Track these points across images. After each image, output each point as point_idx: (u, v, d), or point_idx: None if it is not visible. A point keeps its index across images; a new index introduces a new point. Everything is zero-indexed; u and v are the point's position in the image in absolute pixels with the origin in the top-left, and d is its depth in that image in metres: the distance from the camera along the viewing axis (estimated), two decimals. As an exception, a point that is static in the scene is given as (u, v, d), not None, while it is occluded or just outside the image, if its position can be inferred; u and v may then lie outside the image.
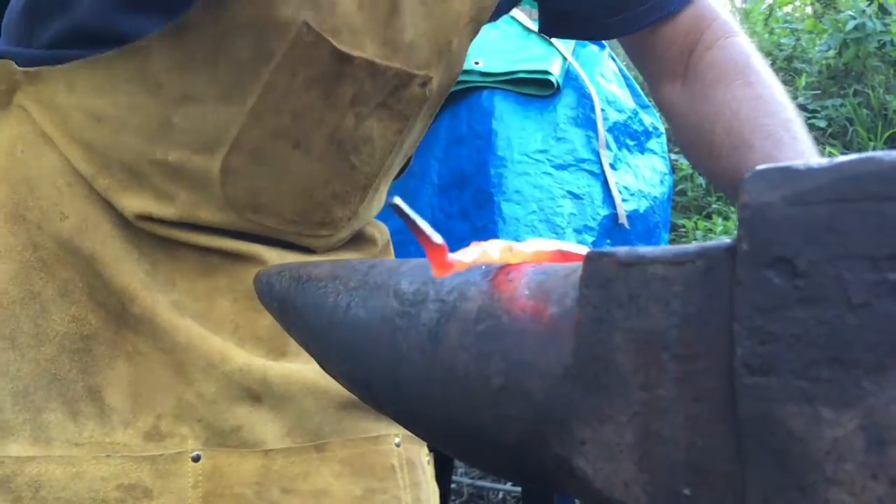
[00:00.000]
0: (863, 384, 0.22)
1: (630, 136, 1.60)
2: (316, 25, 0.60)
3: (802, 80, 4.18)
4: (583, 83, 1.55)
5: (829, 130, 4.09)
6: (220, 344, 0.65)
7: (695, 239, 3.55)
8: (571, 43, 1.58)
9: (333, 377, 0.41)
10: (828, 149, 3.87)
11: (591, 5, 0.79)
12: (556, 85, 1.50)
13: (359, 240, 0.80)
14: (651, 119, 1.65)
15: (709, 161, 0.74)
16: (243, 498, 0.63)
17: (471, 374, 0.31)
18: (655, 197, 1.59)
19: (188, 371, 0.64)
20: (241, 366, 0.65)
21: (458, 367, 0.32)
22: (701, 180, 3.98)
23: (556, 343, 0.29)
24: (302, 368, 0.67)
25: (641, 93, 1.71)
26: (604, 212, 1.47)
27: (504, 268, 0.33)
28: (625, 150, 1.58)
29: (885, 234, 0.22)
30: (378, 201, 0.79)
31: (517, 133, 1.46)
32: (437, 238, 0.32)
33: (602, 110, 1.54)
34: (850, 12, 4.27)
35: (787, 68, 4.45)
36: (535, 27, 1.56)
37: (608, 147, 1.52)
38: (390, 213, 0.93)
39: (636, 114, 1.63)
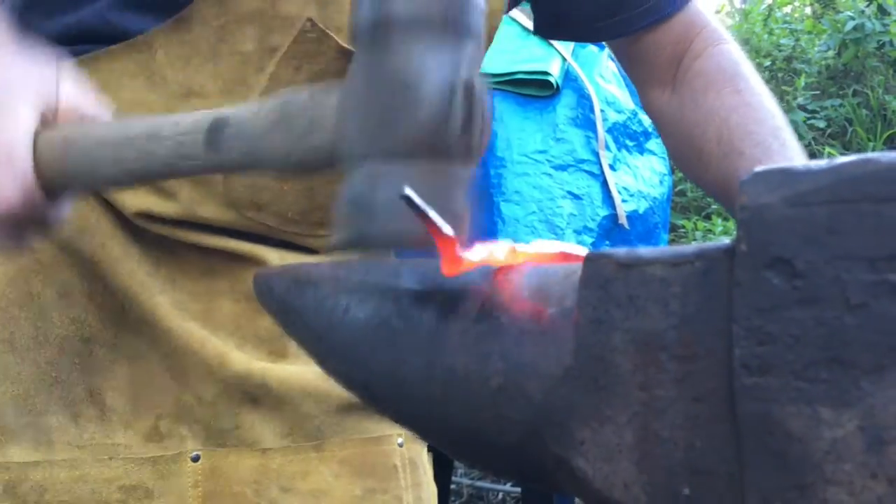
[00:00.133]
0: (861, 384, 0.22)
1: (629, 137, 1.60)
2: (321, 22, 0.60)
3: (802, 81, 4.18)
4: (582, 84, 1.55)
5: (829, 131, 4.09)
6: (220, 348, 0.65)
7: (694, 239, 3.55)
8: (571, 44, 1.58)
9: (333, 378, 0.41)
10: (827, 149, 3.87)
11: (585, 8, 0.79)
12: (555, 86, 1.50)
13: None
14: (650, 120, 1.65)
15: (698, 168, 0.74)
16: (242, 496, 0.63)
17: (470, 374, 0.31)
18: (655, 197, 1.59)
19: (187, 375, 0.64)
20: (241, 370, 0.65)
21: (457, 367, 0.32)
22: (700, 181, 3.97)
23: (556, 344, 0.29)
24: (302, 370, 0.67)
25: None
26: (603, 212, 1.47)
27: (503, 268, 0.34)
28: (624, 151, 1.58)
29: (884, 235, 0.22)
30: None
31: (516, 134, 1.46)
32: (448, 230, 0.31)
33: (601, 111, 1.54)
34: (849, 13, 4.27)
35: (786, 69, 4.46)
36: (534, 28, 1.56)
37: (607, 148, 1.53)
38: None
39: (635, 114, 1.63)
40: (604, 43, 1.01)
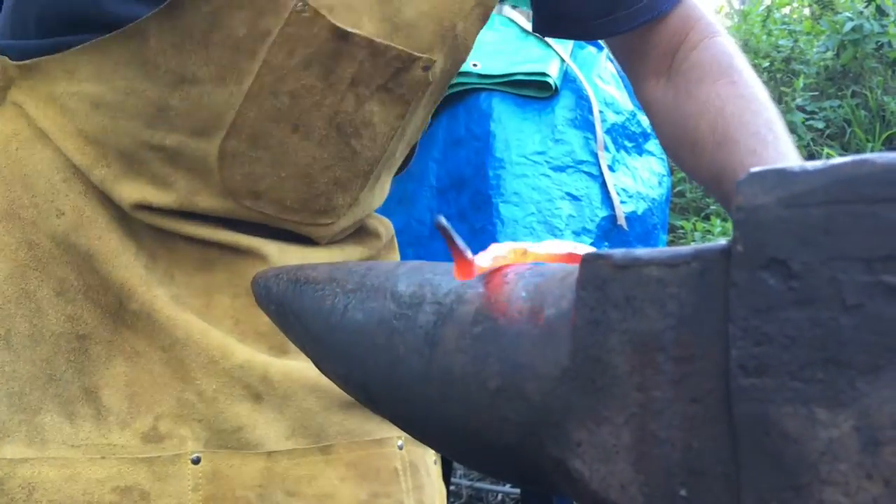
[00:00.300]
0: (857, 385, 0.22)
1: (628, 138, 1.60)
2: (312, 1, 0.60)
3: (800, 82, 4.18)
4: (581, 85, 1.55)
5: (827, 132, 4.09)
6: (221, 339, 0.65)
7: (693, 240, 3.55)
8: (570, 45, 1.58)
9: (331, 379, 0.41)
10: (826, 150, 3.88)
11: (583, 6, 0.79)
12: (554, 87, 1.50)
13: (362, 233, 0.79)
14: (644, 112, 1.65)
15: (691, 158, 0.74)
16: (245, 501, 0.63)
17: (468, 376, 0.32)
18: (654, 198, 1.59)
19: (188, 368, 0.64)
20: (243, 362, 0.64)
21: (455, 369, 0.32)
22: (699, 182, 3.97)
23: (553, 345, 0.29)
24: (304, 366, 0.66)
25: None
26: (602, 213, 1.47)
27: (500, 269, 0.34)
28: (623, 152, 1.58)
29: (879, 236, 0.22)
30: (380, 190, 0.78)
31: (515, 135, 1.46)
32: (469, 255, 0.33)
33: (600, 112, 1.54)
34: (847, 14, 4.27)
35: (785, 69, 4.46)
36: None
37: (606, 149, 1.53)
38: (391, 211, 0.94)
39: (634, 115, 1.63)
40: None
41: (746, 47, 4.47)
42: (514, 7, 1.67)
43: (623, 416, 0.27)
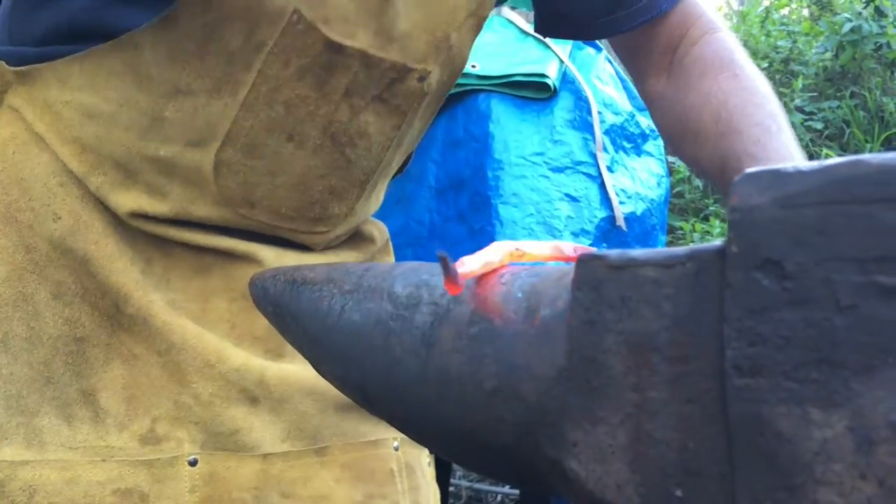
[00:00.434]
0: (851, 385, 0.22)
1: (627, 139, 1.60)
2: (307, 14, 0.60)
3: (799, 83, 4.19)
4: (579, 86, 1.55)
5: (826, 132, 4.10)
6: (217, 343, 0.65)
7: (692, 241, 3.55)
8: (568, 46, 1.58)
9: (328, 380, 0.41)
10: (824, 151, 3.88)
11: (585, 6, 0.79)
12: (552, 88, 1.50)
13: (357, 238, 0.79)
14: (648, 121, 1.66)
15: (694, 147, 0.74)
16: (241, 503, 0.63)
17: (464, 376, 0.32)
18: (652, 199, 1.59)
19: (184, 372, 0.64)
20: (239, 366, 0.65)
21: (451, 369, 0.32)
22: (698, 182, 3.98)
23: (549, 345, 0.29)
24: (300, 369, 0.67)
25: (638, 95, 1.71)
26: (601, 214, 1.47)
27: (497, 270, 0.34)
28: (622, 153, 1.58)
29: (873, 237, 0.22)
30: (376, 198, 0.79)
31: (514, 136, 1.46)
32: (462, 281, 0.33)
33: (599, 113, 1.54)
34: (846, 14, 4.28)
35: (783, 70, 4.46)
36: (531, 30, 1.57)
37: (605, 150, 1.53)
38: (389, 212, 0.93)
39: (633, 116, 1.63)
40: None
41: (745, 48, 4.47)
42: (513, 8, 1.67)
43: (619, 417, 0.27)
